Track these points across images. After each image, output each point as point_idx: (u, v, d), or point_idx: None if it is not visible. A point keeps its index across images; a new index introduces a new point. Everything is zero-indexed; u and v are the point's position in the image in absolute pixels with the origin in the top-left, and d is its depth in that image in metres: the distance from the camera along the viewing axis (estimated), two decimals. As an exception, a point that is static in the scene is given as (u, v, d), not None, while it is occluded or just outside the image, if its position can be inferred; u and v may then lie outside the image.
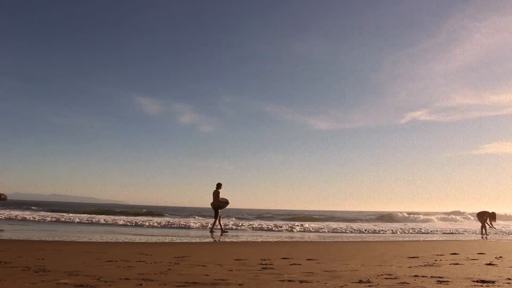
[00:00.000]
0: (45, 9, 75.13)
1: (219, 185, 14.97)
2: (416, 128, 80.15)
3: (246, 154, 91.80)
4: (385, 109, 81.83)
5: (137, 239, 10.30)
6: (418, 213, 36.50)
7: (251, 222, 21.50)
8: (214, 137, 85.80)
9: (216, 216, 14.87)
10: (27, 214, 22.47)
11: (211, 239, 11.06)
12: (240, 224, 19.10)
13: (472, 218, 31.67)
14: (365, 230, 17.68)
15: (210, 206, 15.01)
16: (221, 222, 15.15)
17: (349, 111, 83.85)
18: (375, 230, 17.86)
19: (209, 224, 17.07)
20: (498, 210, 19.50)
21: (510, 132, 77.25)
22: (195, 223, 18.65)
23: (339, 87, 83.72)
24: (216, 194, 14.84)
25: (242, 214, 35.63)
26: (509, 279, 4.03)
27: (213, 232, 14.32)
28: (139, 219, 22.15)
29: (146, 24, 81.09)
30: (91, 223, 18.27)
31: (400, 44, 76.71)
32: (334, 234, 15.74)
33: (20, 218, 19.97)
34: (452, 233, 17.83)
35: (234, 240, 11.03)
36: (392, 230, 18.16)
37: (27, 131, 76.11)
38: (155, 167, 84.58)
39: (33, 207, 37.05)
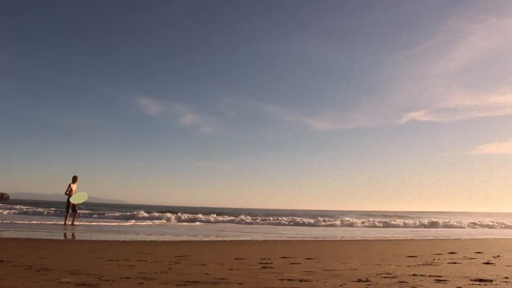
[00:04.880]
0: (46, 9, 75.02)
1: (73, 178, 15.31)
2: (415, 129, 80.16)
3: (246, 154, 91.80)
4: (384, 109, 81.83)
5: (138, 238, 10.34)
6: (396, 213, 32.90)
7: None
8: (214, 137, 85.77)
9: (67, 209, 15.09)
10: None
11: (210, 238, 11.11)
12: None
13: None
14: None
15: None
16: (67, 216, 15.12)
17: (348, 111, 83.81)
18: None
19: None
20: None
21: (507, 133, 77.33)
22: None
23: (339, 88, 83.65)
24: (68, 186, 15.17)
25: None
26: (506, 278, 4.07)
27: (73, 225, 14.59)
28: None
29: (147, 25, 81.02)
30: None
31: (399, 45, 76.71)
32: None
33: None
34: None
35: (233, 239, 11.07)
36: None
37: (28, 131, 75.85)
38: (155, 168, 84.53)
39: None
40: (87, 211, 25.73)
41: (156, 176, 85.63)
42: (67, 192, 15.07)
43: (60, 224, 15.34)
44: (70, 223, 14.96)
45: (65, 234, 11.32)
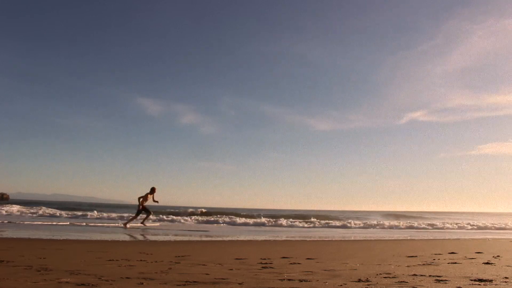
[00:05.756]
0: (45, 9, 75.27)
1: (152, 189, 15.58)
2: (415, 129, 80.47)
3: (246, 155, 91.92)
4: (384, 110, 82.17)
5: (138, 238, 10.34)
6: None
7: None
8: (214, 137, 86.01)
9: (143, 212, 15.52)
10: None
11: (210, 238, 11.11)
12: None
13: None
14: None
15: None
16: (133, 220, 15.60)
17: (348, 112, 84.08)
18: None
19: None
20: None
21: (507, 133, 77.56)
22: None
23: (339, 88, 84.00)
24: (145, 195, 15.56)
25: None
26: (506, 278, 4.07)
27: (145, 225, 15.25)
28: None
29: (147, 26, 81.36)
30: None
31: (399, 46, 77.14)
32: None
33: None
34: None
35: (233, 239, 11.08)
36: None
37: (28, 132, 75.84)
38: (155, 168, 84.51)
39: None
40: (89, 212, 25.66)
41: (156, 176, 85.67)
42: (141, 199, 15.37)
43: (59, 224, 15.40)
44: (142, 224, 15.39)
45: (129, 234, 11.37)
